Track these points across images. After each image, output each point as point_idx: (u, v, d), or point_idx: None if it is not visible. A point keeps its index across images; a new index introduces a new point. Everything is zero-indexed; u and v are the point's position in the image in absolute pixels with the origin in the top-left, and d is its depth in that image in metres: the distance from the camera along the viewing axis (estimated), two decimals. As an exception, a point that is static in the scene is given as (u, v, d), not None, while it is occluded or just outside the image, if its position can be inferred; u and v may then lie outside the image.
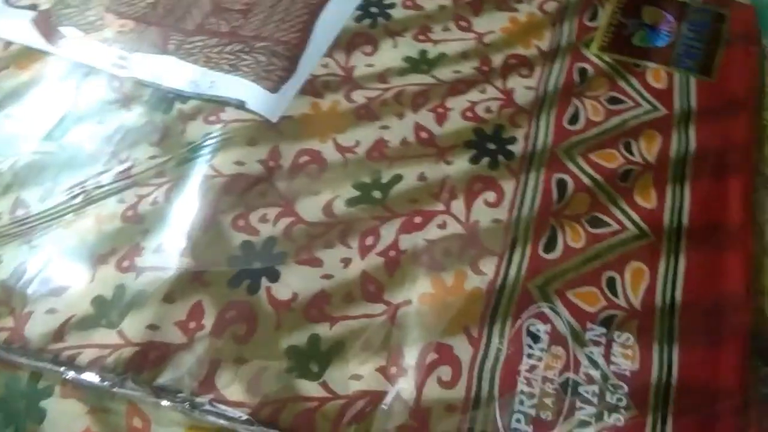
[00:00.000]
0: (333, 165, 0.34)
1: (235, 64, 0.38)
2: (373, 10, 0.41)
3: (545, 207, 0.32)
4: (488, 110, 0.36)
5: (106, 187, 0.34)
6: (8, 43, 0.41)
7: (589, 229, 0.31)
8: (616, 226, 0.31)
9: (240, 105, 0.36)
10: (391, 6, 0.41)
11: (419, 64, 0.38)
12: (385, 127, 0.35)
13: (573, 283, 0.29)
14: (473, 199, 0.32)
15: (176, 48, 0.39)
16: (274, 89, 0.37)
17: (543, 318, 0.29)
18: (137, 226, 0.32)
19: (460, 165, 0.34)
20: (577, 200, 0.32)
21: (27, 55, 0.40)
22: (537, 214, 0.32)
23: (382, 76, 0.38)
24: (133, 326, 0.29)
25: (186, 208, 0.33)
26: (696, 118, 0.35)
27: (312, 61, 0.38)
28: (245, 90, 0.37)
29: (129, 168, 0.34)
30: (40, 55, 0.40)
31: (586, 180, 0.33)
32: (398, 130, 0.35)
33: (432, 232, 0.32)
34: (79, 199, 0.33)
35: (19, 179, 0.35)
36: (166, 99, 0.37)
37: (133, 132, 0.36)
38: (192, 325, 0.29)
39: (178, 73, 0.38)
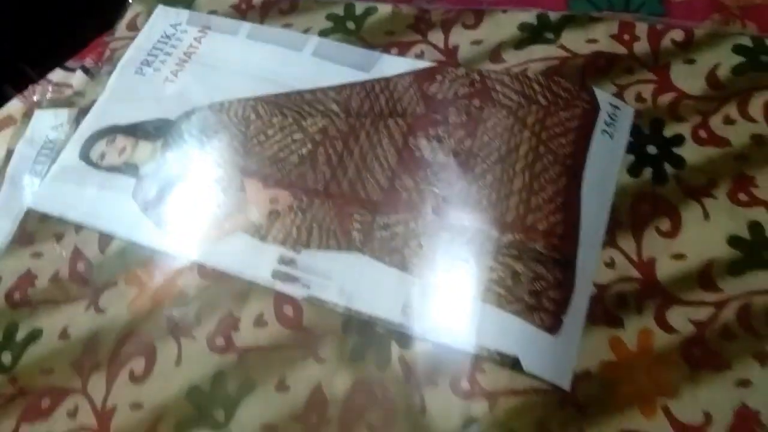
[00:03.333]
0: (681, 465, 0.22)
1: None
2: (652, 150, 0.27)
3: None
4: None
5: None
6: (105, 236, 0.28)
7: None
8: None
9: (511, 363, 0.23)
10: (678, 141, 0.27)
11: (756, 249, 0.25)
12: (744, 384, 0.22)
13: None
14: None
15: (364, 237, 0.26)
16: (553, 328, 0.23)
17: None
18: None
19: None
20: None
21: (137, 258, 0.27)
22: None
23: (705, 278, 0.24)
24: None
25: None
26: None
27: (590, 261, 0.25)
28: (510, 332, 0.23)
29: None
30: (159, 258, 0.27)
31: None
32: (770, 389, 0.22)
33: None
34: None
35: None
36: (377, 339, 0.24)
37: (339, 405, 0.23)
38: None
39: (383, 288, 0.25)
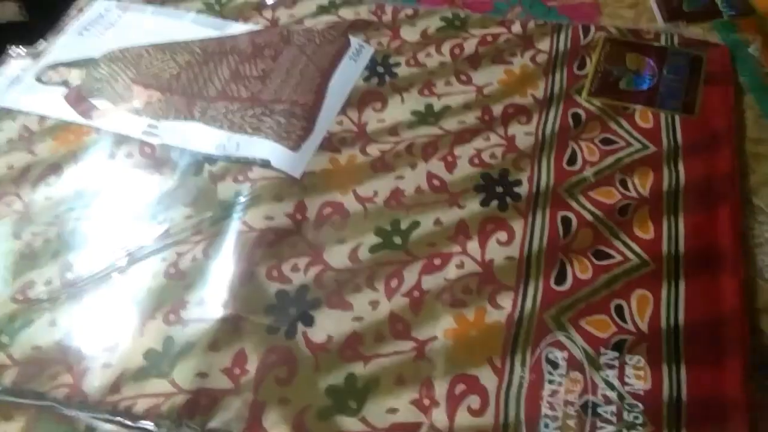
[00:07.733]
0: (355, 215, 0.37)
1: (257, 126, 0.41)
2: (380, 69, 0.44)
3: (553, 243, 0.35)
4: (493, 156, 0.39)
5: (148, 248, 0.37)
6: (43, 118, 0.45)
7: (595, 261, 0.34)
8: (619, 257, 0.34)
9: (265, 164, 0.39)
10: (397, 65, 0.45)
11: (426, 117, 0.42)
12: (399, 177, 0.39)
13: (584, 312, 0.32)
14: (486, 239, 0.35)
15: (201, 114, 0.43)
16: (295, 148, 0.40)
17: (559, 346, 0.31)
18: (180, 282, 0.35)
19: (472, 208, 0.37)
20: (581, 235, 0.35)
21: (62, 128, 0.43)
22: (546, 249, 0.35)
23: (393, 130, 0.41)
24: (183, 375, 0.31)
25: (223, 263, 0.35)
26: (683, 153, 0.38)
27: (328, 120, 0.42)
28: (268, 150, 0.40)
29: (167, 229, 0.37)
30: (75, 127, 0.43)
31: (588, 216, 0.36)
32: (412, 179, 0.38)
33: (451, 271, 0.34)
34: (123, 261, 0.36)
35: (66, 245, 0.37)
36: (196, 162, 0.40)
37: (168, 195, 0.39)
38: (237, 371, 0.32)
39: (205, 137, 0.41)
